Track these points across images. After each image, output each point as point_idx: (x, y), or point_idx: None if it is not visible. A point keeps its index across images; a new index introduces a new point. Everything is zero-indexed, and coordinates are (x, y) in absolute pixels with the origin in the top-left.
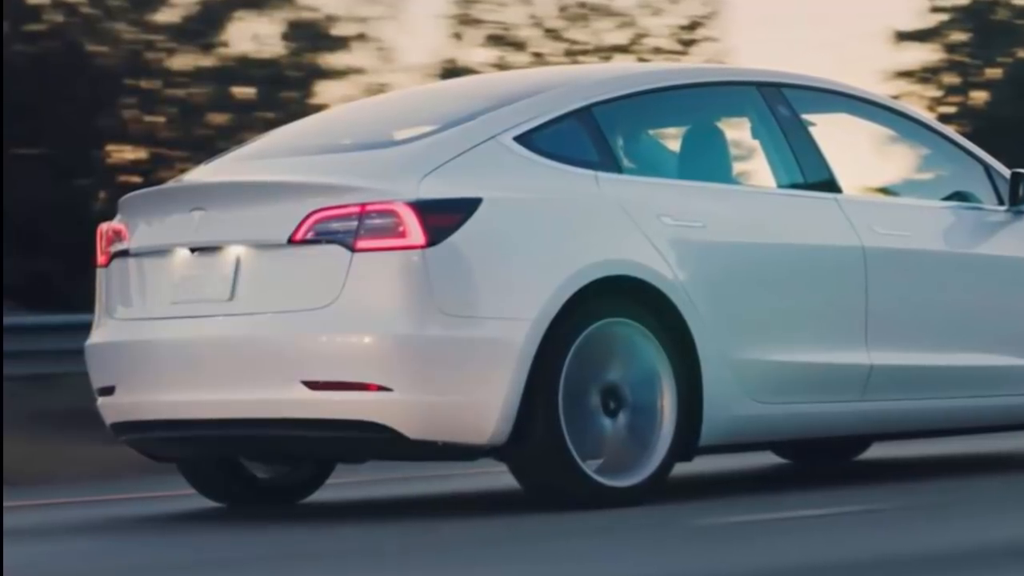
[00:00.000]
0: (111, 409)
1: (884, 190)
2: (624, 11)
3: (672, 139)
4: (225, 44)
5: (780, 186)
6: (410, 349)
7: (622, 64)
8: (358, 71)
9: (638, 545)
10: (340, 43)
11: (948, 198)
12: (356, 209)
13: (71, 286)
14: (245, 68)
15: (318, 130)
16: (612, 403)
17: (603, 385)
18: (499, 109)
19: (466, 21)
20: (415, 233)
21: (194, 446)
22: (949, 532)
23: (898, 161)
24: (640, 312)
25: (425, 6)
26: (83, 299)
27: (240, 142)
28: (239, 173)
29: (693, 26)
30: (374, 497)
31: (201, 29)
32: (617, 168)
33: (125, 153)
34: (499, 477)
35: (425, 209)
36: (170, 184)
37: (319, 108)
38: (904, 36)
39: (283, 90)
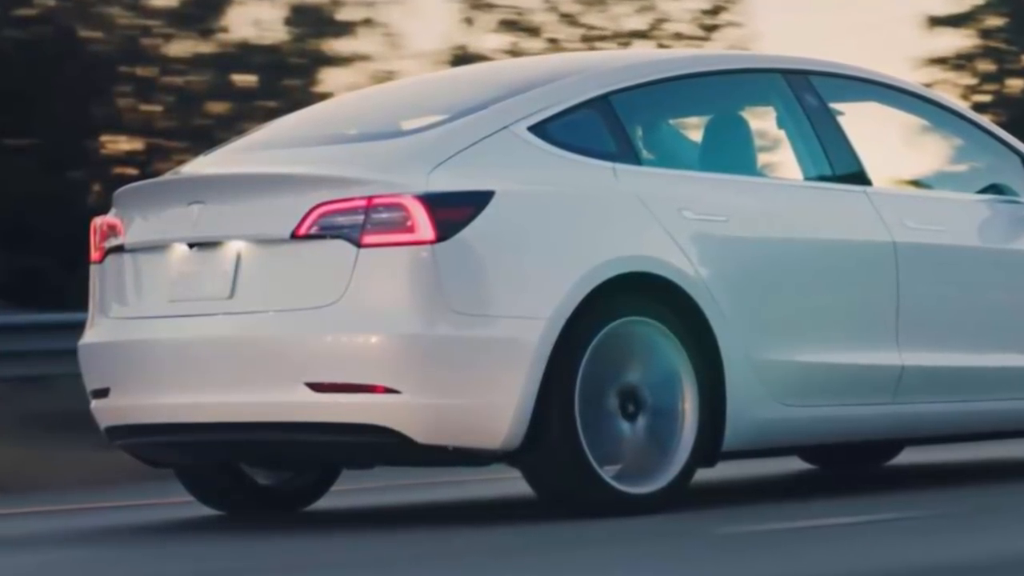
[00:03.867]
0: (105, 412)
1: (916, 183)
2: None
3: (694, 129)
4: (225, 29)
5: (807, 178)
6: (419, 349)
7: (641, 50)
8: (364, 58)
9: (658, 554)
10: (345, 28)
11: (983, 191)
12: (362, 202)
13: (63, 283)
14: (246, 54)
15: (322, 120)
16: (631, 406)
17: (621, 387)
18: (512, 98)
19: (478, 5)
20: (424, 227)
21: (193, 451)
22: (985, 541)
23: (931, 152)
24: (660, 310)
25: None
26: (76, 297)
27: (241, 132)
28: (239, 165)
29: (716, 10)
30: (381, 504)
31: (200, 14)
32: (636, 160)
33: (120, 144)
34: (512, 483)
35: (434, 202)
36: (167, 176)
37: (323, 97)
38: (937, 21)
39: (286, 78)
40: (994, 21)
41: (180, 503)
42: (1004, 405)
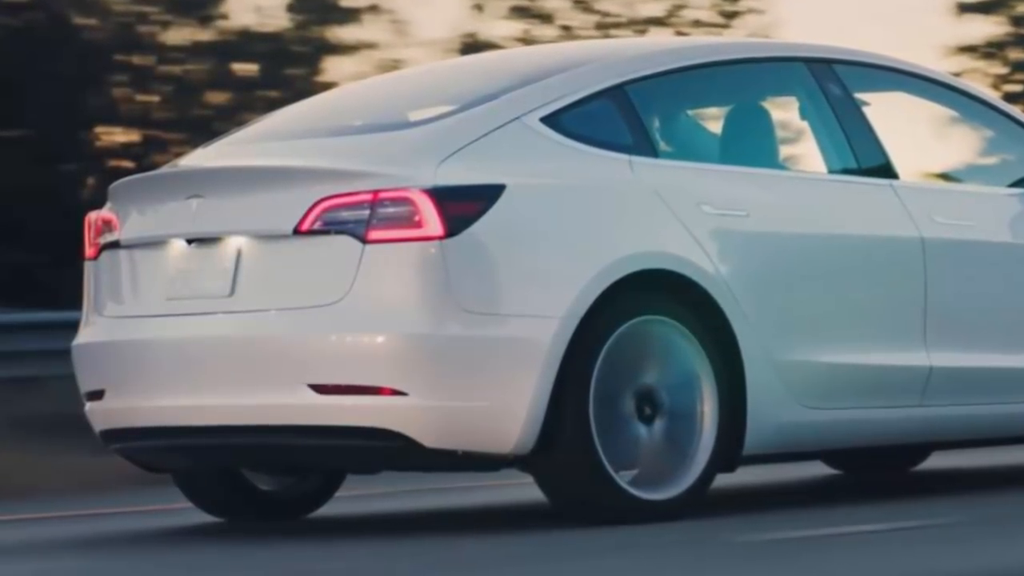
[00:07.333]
0: (100, 415)
1: (945, 176)
2: None
3: (713, 120)
4: (225, 16)
5: (831, 171)
6: (427, 350)
7: (659, 38)
8: (370, 46)
9: (676, 563)
10: (350, 15)
11: (1015, 184)
12: (368, 197)
13: (56, 281)
14: (247, 42)
15: (326, 110)
16: (647, 408)
17: (638, 389)
18: (524, 87)
19: None
20: (432, 223)
21: (191, 455)
22: (1015, 548)
23: (960, 144)
24: (678, 309)
25: None
26: (70, 295)
27: (241, 123)
28: (240, 157)
29: None
30: (387, 511)
31: (199, 0)
32: (653, 152)
33: (116, 135)
34: (524, 489)
35: (443, 197)
36: (165, 169)
37: (327, 86)
38: (967, 8)
39: (288, 67)
40: None
41: (178, 509)
42: None
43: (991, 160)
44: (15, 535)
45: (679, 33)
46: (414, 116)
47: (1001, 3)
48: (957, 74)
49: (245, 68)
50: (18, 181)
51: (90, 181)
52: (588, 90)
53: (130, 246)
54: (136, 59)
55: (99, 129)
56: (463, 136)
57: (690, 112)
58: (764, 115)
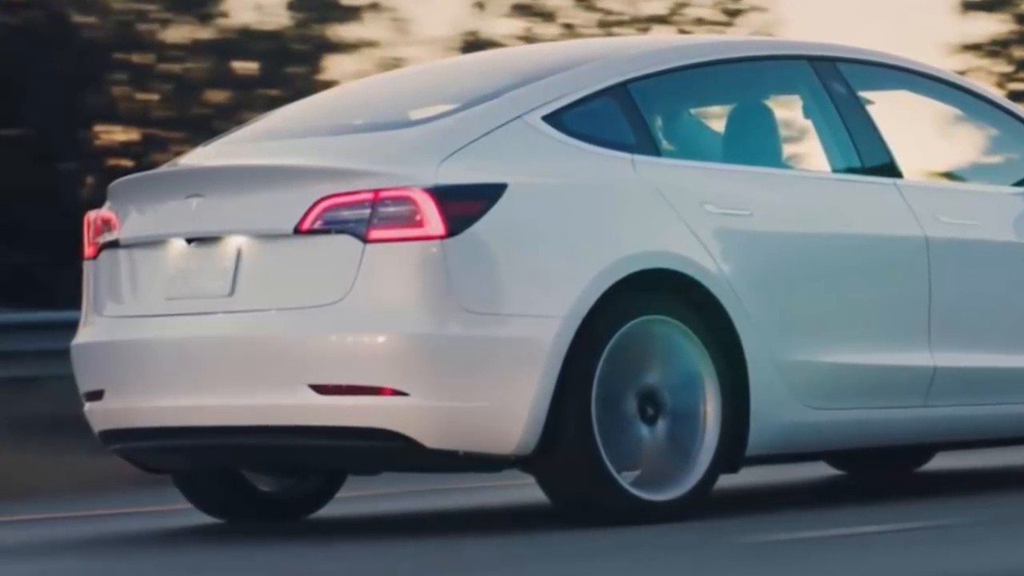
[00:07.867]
0: (100, 415)
1: (949, 175)
2: None
3: (716, 119)
4: (225, 14)
5: (835, 170)
6: (428, 350)
7: (661, 36)
8: (371, 44)
9: (678, 564)
10: (351, 13)
11: (1019, 183)
12: (369, 196)
13: (55, 280)
14: (247, 40)
15: (327, 109)
16: (650, 409)
17: (640, 389)
18: (526, 86)
19: None
20: (433, 222)
21: (191, 456)
22: (1020, 549)
23: (964, 143)
24: (680, 309)
25: None
26: (69, 295)
27: (241, 122)
28: (240, 156)
29: None
30: (388, 512)
31: None
32: (655, 151)
33: (115, 134)
34: (526, 490)
35: (444, 196)
36: (164, 168)
37: (328, 85)
38: (971, 6)
39: (288, 65)
40: None
41: (178, 510)
42: None
43: (996, 159)
44: (15, 535)
45: (681, 31)
46: (415, 115)
47: (1006, 1)
48: (961, 72)
49: (245, 66)
50: (17, 180)
51: (89, 180)
52: (590, 88)
53: (130, 245)
54: (136, 57)
55: (98, 128)
56: (464, 135)
57: (693, 111)
58: (767, 114)
